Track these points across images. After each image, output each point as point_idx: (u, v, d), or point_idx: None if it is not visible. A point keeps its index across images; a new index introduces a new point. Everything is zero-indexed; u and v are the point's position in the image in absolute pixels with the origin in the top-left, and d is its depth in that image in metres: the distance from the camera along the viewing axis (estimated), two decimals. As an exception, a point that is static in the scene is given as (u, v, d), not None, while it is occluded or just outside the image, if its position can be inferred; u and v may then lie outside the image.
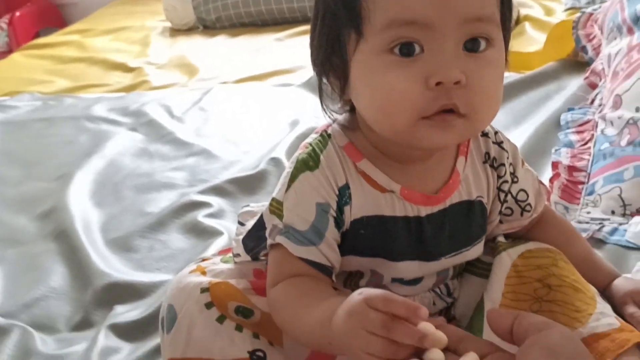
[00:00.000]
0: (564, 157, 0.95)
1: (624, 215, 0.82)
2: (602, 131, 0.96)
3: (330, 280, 0.57)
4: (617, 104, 0.96)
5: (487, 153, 0.61)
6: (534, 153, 1.02)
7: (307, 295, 0.53)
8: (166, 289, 0.65)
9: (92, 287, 0.85)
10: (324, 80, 0.57)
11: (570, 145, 0.99)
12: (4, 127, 1.48)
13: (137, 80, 1.76)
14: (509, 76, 1.33)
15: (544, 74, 1.30)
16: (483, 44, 0.50)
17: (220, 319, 0.58)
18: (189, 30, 2.22)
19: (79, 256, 0.92)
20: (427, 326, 0.43)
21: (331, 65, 0.55)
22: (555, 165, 0.94)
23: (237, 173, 1.11)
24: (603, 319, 0.58)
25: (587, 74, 1.20)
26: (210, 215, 0.99)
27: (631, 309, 0.63)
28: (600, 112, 1.02)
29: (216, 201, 1.03)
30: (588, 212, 0.84)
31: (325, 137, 0.58)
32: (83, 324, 0.81)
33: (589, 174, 0.91)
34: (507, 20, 0.54)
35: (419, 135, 0.51)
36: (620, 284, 0.65)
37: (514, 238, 0.66)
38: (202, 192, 1.06)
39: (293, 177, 0.57)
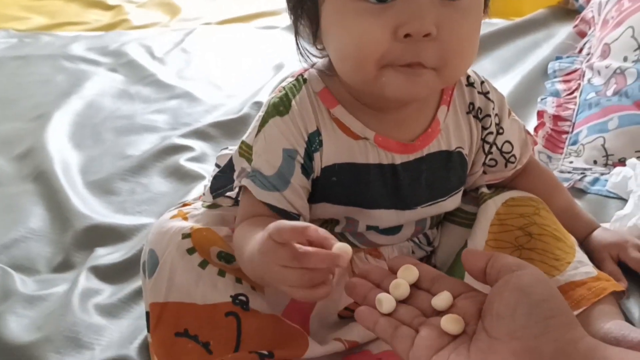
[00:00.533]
0: (550, 106, 0.95)
1: (605, 165, 0.82)
2: (588, 80, 0.96)
3: None
4: (606, 53, 0.96)
5: (472, 103, 0.60)
6: (521, 101, 1.01)
7: (252, 232, 0.52)
8: (147, 233, 0.64)
9: (72, 229, 0.84)
10: (299, 23, 0.55)
11: (556, 94, 0.98)
12: (-22, 65, 1.43)
13: (116, 18, 1.71)
14: (498, 23, 1.31)
15: (534, 21, 1.28)
16: None
17: (203, 264, 0.58)
18: (170, -33, 2.15)
19: (59, 198, 0.91)
20: (342, 247, 0.44)
21: (303, 8, 0.53)
22: (540, 114, 0.93)
23: (220, 117, 1.09)
24: (581, 268, 0.59)
25: (576, 22, 1.18)
26: (193, 159, 0.98)
27: (610, 266, 0.64)
28: (588, 61, 1.01)
29: (198, 145, 1.01)
30: (571, 162, 0.85)
31: (300, 81, 0.57)
32: (63, 266, 0.80)
33: (574, 124, 0.91)
34: None
35: (384, 84, 0.49)
36: (599, 235, 0.66)
37: (497, 188, 0.66)
38: (184, 135, 1.04)
39: (263, 122, 0.56)
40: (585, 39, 1.11)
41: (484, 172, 0.64)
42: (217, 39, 1.48)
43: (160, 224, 0.61)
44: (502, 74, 1.13)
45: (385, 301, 0.45)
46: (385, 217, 0.59)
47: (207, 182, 0.66)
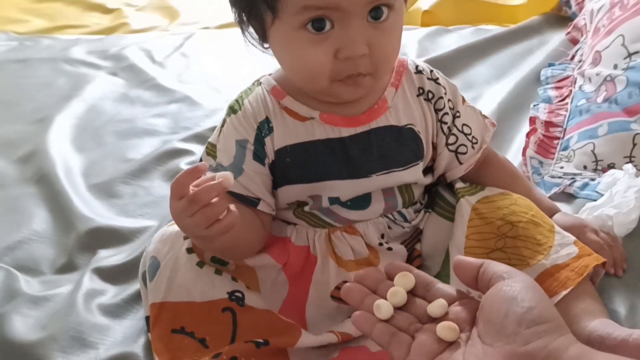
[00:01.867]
0: (542, 112, 0.97)
1: (595, 170, 0.84)
2: (580, 87, 0.98)
3: (253, 209, 0.63)
4: (597, 60, 0.98)
5: (421, 87, 0.67)
6: (514, 107, 1.04)
7: None
8: (148, 243, 0.68)
9: (75, 231, 0.86)
10: (244, 28, 0.62)
11: (548, 100, 1.00)
12: (-21, 68, 1.44)
13: (116, 22, 1.72)
14: (493, 29, 1.34)
15: (527, 28, 1.30)
16: (385, 12, 0.57)
17: (200, 264, 0.62)
18: (169, -30, 2.16)
19: (61, 200, 0.92)
20: (223, 174, 0.52)
21: (250, 24, 0.60)
22: (532, 120, 0.96)
23: (219, 121, 1.11)
24: (562, 250, 0.63)
25: (569, 29, 1.21)
26: (193, 163, 0.99)
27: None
28: (579, 68, 1.03)
29: (199, 149, 1.03)
30: (561, 167, 0.87)
31: (254, 85, 0.67)
32: (67, 267, 0.82)
33: (565, 130, 0.93)
34: None
35: (335, 92, 0.60)
36: (559, 219, 0.71)
37: (471, 183, 0.70)
38: (185, 139, 1.06)
39: (223, 122, 0.66)
40: (577, 46, 1.13)
41: (460, 162, 0.69)
42: (216, 43, 1.50)
43: (161, 232, 0.66)
44: (496, 80, 1.15)
45: (384, 308, 0.47)
46: (342, 186, 0.64)
47: None
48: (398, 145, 0.65)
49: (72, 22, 1.76)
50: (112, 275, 0.77)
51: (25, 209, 0.94)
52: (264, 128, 0.63)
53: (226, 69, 1.35)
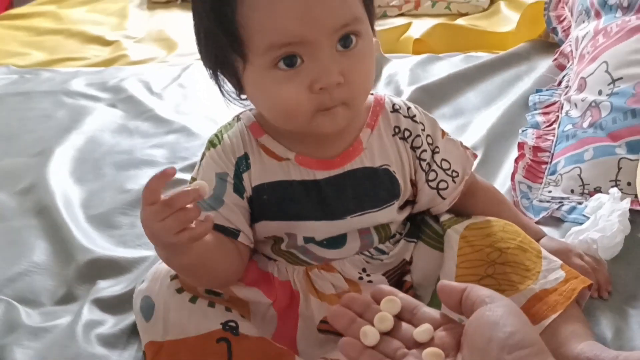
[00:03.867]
0: (530, 137, 1.00)
1: (582, 194, 0.87)
2: (566, 113, 1.01)
3: (234, 241, 0.64)
4: (582, 86, 1.01)
5: (397, 127, 0.68)
6: (503, 133, 1.06)
7: None
8: (142, 279, 0.69)
9: (74, 262, 0.87)
10: (220, 83, 0.64)
11: (536, 126, 1.03)
12: (-20, 101, 1.47)
13: (115, 54, 1.74)
14: (482, 56, 1.37)
15: (516, 55, 1.33)
16: (354, 40, 0.58)
17: (193, 300, 0.63)
18: (167, 2, 2.20)
19: (61, 232, 0.94)
20: (198, 182, 0.54)
21: (223, 75, 0.62)
22: (521, 145, 0.98)
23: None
24: (549, 275, 0.65)
25: (556, 56, 1.24)
26: (189, 193, 1.01)
27: None
28: (566, 94, 1.06)
29: (195, 179, 1.05)
30: (549, 192, 0.89)
31: (234, 120, 0.68)
32: (67, 298, 0.83)
33: (553, 154, 0.96)
34: (369, 4, 0.61)
35: (315, 125, 0.60)
36: (545, 243, 0.72)
37: (456, 214, 0.71)
38: (183, 169, 1.07)
39: (202, 156, 0.67)
40: (564, 72, 1.16)
41: (443, 197, 0.70)
42: (211, 72, 1.53)
43: (152, 270, 0.67)
44: (486, 106, 1.18)
45: (370, 334, 0.48)
46: (318, 227, 0.65)
47: None
48: (373, 187, 0.66)
49: (72, 54, 1.79)
50: (111, 305, 0.78)
51: (25, 240, 0.95)
52: (242, 164, 0.64)
53: (221, 99, 1.37)
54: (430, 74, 1.32)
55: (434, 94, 1.23)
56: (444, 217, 0.71)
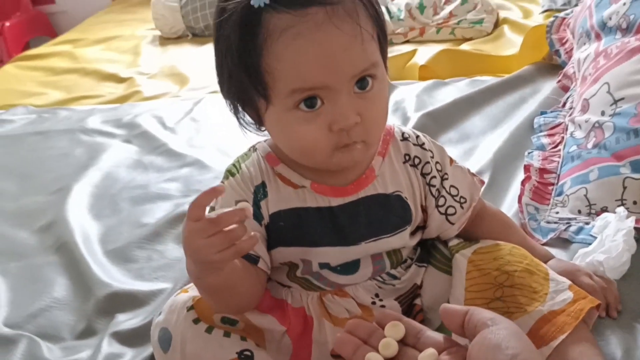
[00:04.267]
0: (536, 159, 1.01)
1: (589, 214, 0.87)
2: (571, 134, 1.02)
3: (254, 266, 0.65)
4: (585, 107, 1.02)
5: (407, 154, 0.71)
6: (509, 156, 1.08)
7: None
8: (160, 311, 0.71)
9: (94, 297, 0.90)
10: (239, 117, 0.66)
11: (541, 148, 1.04)
12: (0, 141, 1.52)
13: (129, 90, 1.79)
14: (488, 80, 1.39)
15: (520, 78, 1.35)
16: (370, 82, 0.61)
17: (209, 330, 0.65)
18: (178, 38, 2.27)
19: (80, 267, 0.97)
20: (242, 204, 0.55)
21: (244, 110, 0.65)
22: (527, 168, 0.99)
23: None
24: (557, 297, 0.65)
25: (559, 77, 1.25)
26: (204, 224, 1.04)
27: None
28: (570, 115, 1.08)
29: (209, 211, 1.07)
30: (557, 213, 0.90)
31: (250, 150, 0.71)
32: (87, 333, 0.85)
33: (559, 176, 0.97)
34: (384, 47, 0.64)
35: (334, 162, 0.63)
36: (554, 265, 0.73)
37: (465, 239, 0.73)
38: (196, 202, 1.10)
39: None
40: (568, 94, 1.18)
41: (452, 223, 0.72)
42: (223, 106, 1.55)
43: (169, 303, 0.69)
44: (492, 130, 1.19)
45: None
46: (333, 253, 0.67)
47: None
48: (386, 213, 0.68)
49: (88, 92, 1.84)
50: (130, 338, 0.80)
51: (46, 277, 0.98)
52: (260, 192, 0.66)
53: (233, 132, 1.40)
54: (436, 100, 1.35)
55: (441, 120, 1.25)
56: (453, 242, 0.73)
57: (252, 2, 0.58)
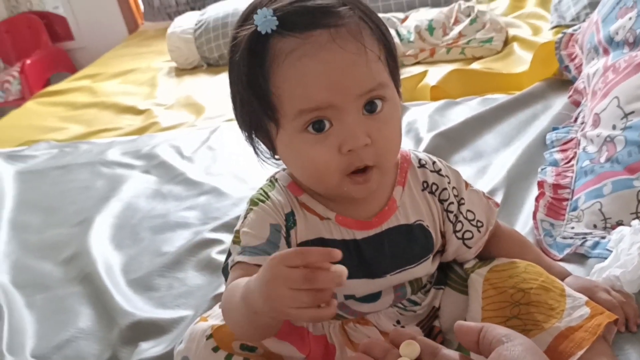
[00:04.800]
0: (549, 175, 1.01)
1: (605, 228, 0.87)
2: (584, 149, 1.02)
3: None
4: (597, 122, 1.03)
5: (425, 182, 0.71)
6: (523, 173, 1.08)
7: (241, 283, 0.59)
8: (181, 340, 0.72)
9: (117, 326, 0.92)
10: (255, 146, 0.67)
11: (555, 163, 1.05)
12: (24, 177, 1.56)
13: (147, 122, 1.84)
14: (499, 98, 1.40)
15: (531, 94, 1.36)
16: (379, 104, 0.61)
17: (228, 358, 0.66)
18: (193, 69, 2.32)
19: (104, 298, 0.99)
20: (339, 267, 0.51)
21: (258, 138, 0.66)
22: (540, 184, 1.00)
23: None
24: (574, 313, 0.65)
25: (570, 93, 1.26)
26: (223, 252, 1.05)
27: None
28: (582, 130, 1.08)
29: (228, 238, 1.09)
30: (572, 228, 0.90)
31: (272, 181, 0.71)
32: (111, 362, 0.87)
33: (573, 191, 0.97)
34: (394, 70, 0.65)
35: (346, 190, 0.63)
36: (571, 282, 0.73)
37: (480, 258, 0.73)
38: (215, 229, 1.13)
39: (249, 211, 0.68)
40: (579, 109, 1.18)
41: (469, 247, 0.72)
42: (239, 133, 1.58)
43: (189, 331, 0.70)
44: (504, 147, 1.20)
45: None
46: (358, 285, 0.68)
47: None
48: (409, 243, 0.69)
49: (107, 125, 1.89)
50: (153, 366, 0.82)
51: (70, 308, 1.01)
52: (290, 220, 0.66)
53: (249, 159, 1.42)
54: (448, 119, 1.36)
55: (453, 139, 1.26)
56: (469, 264, 0.73)
57: (259, 29, 0.59)
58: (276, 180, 0.70)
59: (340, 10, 0.60)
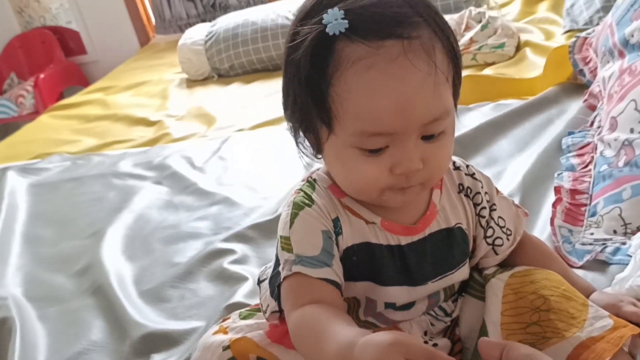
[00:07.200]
0: (566, 181, 0.99)
1: (625, 234, 0.85)
2: (601, 153, 1.00)
3: (343, 304, 0.63)
4: (614, 126, 1.01)
5: (461, 184, 0.70)
6: (538, 179, 1.06)
7: (326, 323, 0.56)
8: (194, 348, 0.71)
9: (129, 338, 0.91)
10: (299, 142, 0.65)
11: (571, 168, 1.03)
12: (37, 189, 1.56)
13: (158, 133, 1.84)
14: (513, 103, 1.38)
15: (546, 99, 1.34)
16: (437, 135, 0.59)
17: None
18: (204, 80, 2.33)
19: (116, 309, 0.98)
20: None
21: (304, 135, 0.63)
22: (557, 189, 0.98)
23: (258, 219, 1.17)
24: (596, 323, 0.63)
25: (585, 97, 1.24)
26: (235, 262, 1.04)
27: None
28: (599, 134, 1.06)
29: (240, 247, 1.08)
30: (591, 234, 0.88)
31: (311, 182, 0.67)
32: (124, 374, 0.86)
33: (591, 196, 0.95)
34: (457, 88, 0.62)
35: (385, 200, 0.62)
36: (596, 298, 0.71)
37: (502, 266, 0.71)
38: (226, 239, 1.12)
39: (294, 215, 0.64)
40: (595, 113, 1.16)
41: (496, 253, 0.71)
42: (250, 143, 1.59)
43: (204, 339, 0.69)
44: (519, 152, 1.18)
45: None
46: (399, 293, 0.66)
47: (260, 300, 0.71)
48: (449, 248, 0.67)
49: (119, 137, 1.90)
50: (165, 378, 0.81)
51: (83, 320, 1.00)
52: (337, 226, 0.64)
53: (260, 168, 1.42)
54: (461, 125, 1.34)
55: (467, 145, 1.25)
56: (488, 270, 0.71)
57: (327, 29, 0.56)
58: (315, 181, 0.67)
59: (415, 21, 0.56)
